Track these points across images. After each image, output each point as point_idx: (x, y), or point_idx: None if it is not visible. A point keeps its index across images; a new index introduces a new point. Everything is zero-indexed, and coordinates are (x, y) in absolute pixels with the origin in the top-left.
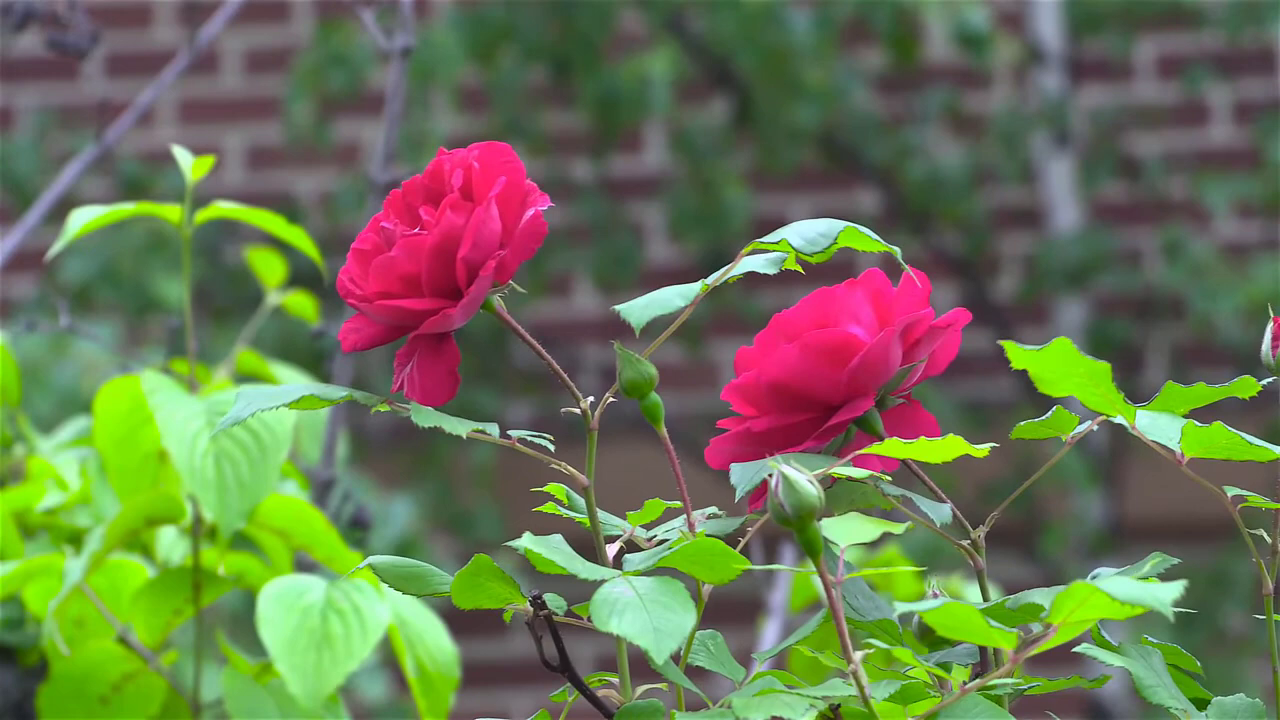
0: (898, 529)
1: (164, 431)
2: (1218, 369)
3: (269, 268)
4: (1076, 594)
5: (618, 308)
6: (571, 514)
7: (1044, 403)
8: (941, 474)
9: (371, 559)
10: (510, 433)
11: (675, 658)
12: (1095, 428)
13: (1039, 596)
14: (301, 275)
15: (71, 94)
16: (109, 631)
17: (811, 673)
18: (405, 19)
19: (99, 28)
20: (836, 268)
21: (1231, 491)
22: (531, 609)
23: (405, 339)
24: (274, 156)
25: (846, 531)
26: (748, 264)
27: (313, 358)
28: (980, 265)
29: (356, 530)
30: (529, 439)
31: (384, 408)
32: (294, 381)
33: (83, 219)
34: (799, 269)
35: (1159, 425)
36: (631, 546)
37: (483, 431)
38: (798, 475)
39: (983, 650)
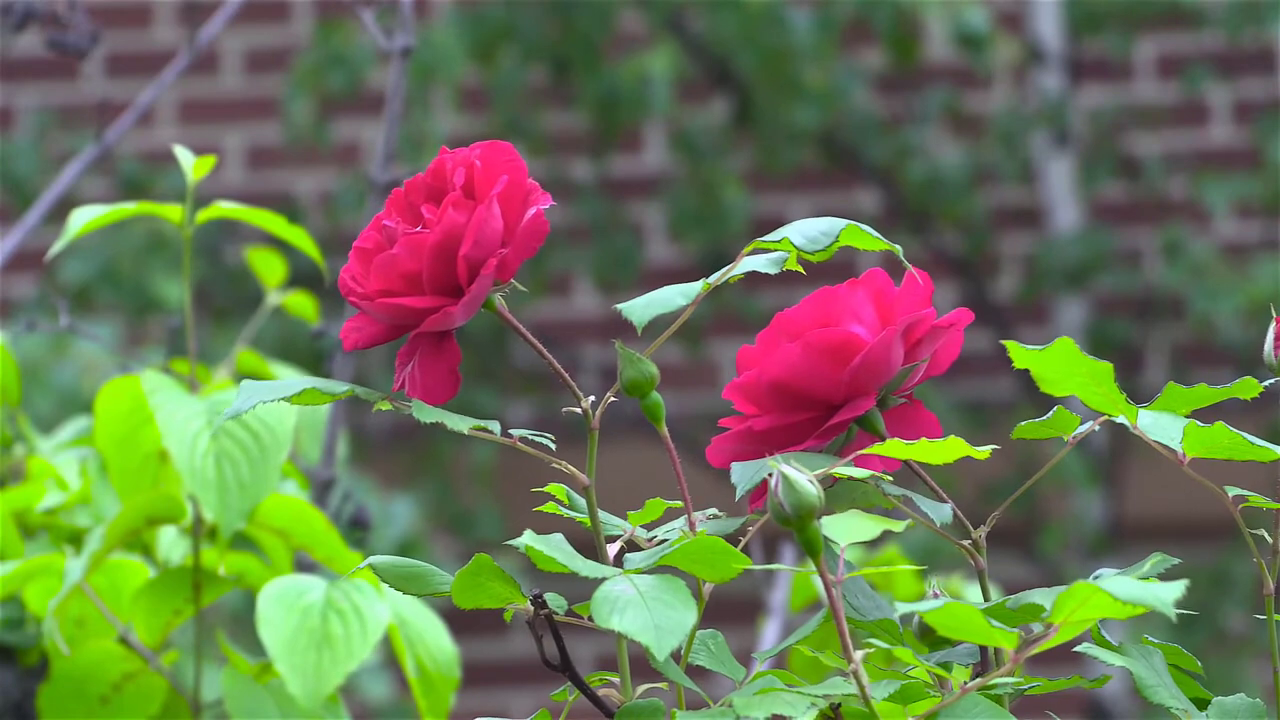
0: (898, 527)
1: (164, 431)
2: (1218, 369)
3: (269, 268)
4: (1078, 594)
5: (619, 306)
6: (572, 514)
7: (1044, 402)
8: (942, 473)
9: (371, 559)
10: (511, 431)
11: (676, 657)
12: (1097, 428)
13: (1040, 596)
14: (301, 275)
15: (71, 94)
16: (109, 631)
17: (812, 672)
18: (405, 19)
19: (99, 28)
20: (838, 267)
21: (1232, 491)
22: (532, 608)
23: (406, 338)
24: (274, 156)
25: (847, 530)
26: (749, 263)
27: (313, 358)
28: (980, 265)
29: (356, 530)
30: (530, 438)
31: (385, 405)
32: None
33: (84, 218)
34: (800, 269)
35: (1161, 425)
36: (632, 546)
37: (484, 429)
38: (798, 475)
39: (983, 650)
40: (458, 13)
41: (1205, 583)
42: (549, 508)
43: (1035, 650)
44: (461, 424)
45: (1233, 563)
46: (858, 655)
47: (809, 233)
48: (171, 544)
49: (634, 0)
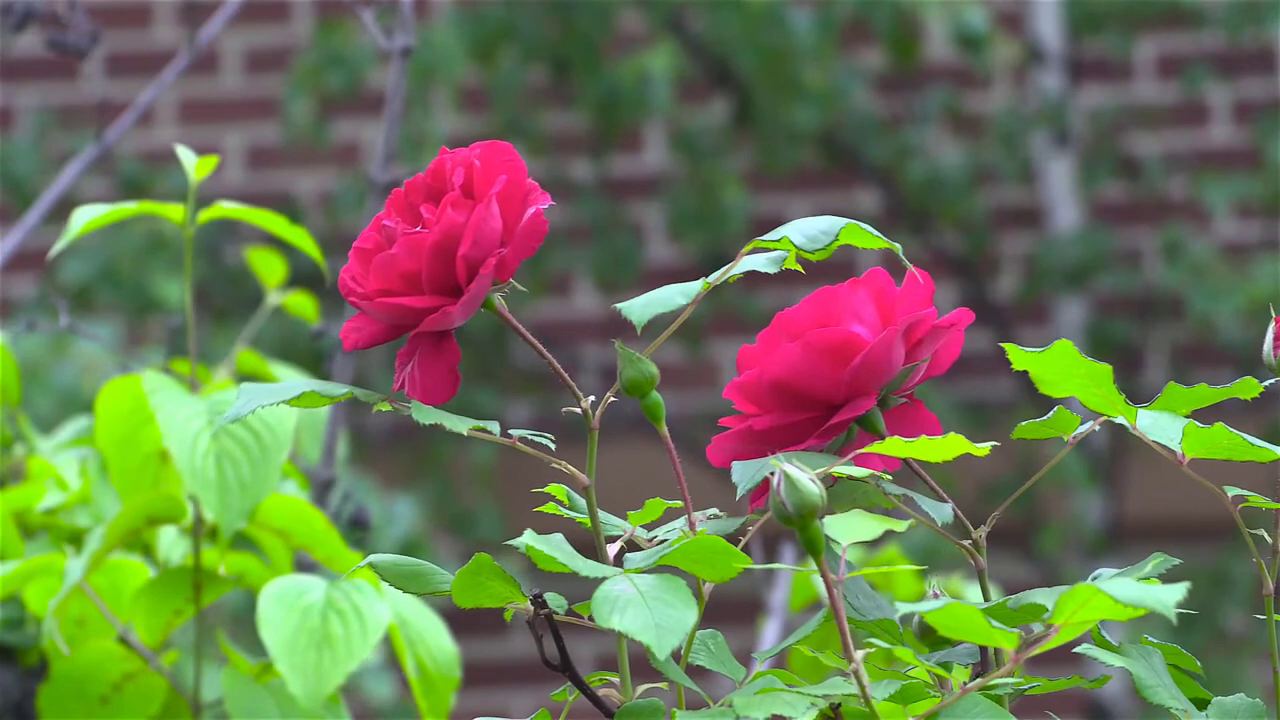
0: (900, 526)
1: (165, 431)
2: (1218, 369)
3: (269, 268)
4: (1079, 596)
5: (619, 306)
6: (572, 514)
7: (1044, 403)
8: (942, 473)
9: (372, 558)
10: (511, 432)
11: (676, 656)
12: (1097, 428)
13: (1040, 597)
14: (302, 275)
15: (71, 94)
16: (109, 631)
17: (812, 672)
18: (405, 19)
19: (99, 28)
20: (838, 267)
21: (1232, 491)
22: (532, 608)
23: (406, 338)
24: (274, 156)
25: (848, 529)
26: (749, 262)
27: (313, 358)
28: (980, 265)
29: (356, 530)
30: (529, 438)
31: (385, 406)
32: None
33: (85, 218)
34: (799, 268)
35: (1160, 425)
36: (632, 546)
37: (484, 429)
38: (800, 474)
39: (983, 650)
40: (457, 13)
41: (1205, 583)
42: (549, 508)
43: (1036, 651)
44: (460, 424)
45: (1232, 563)
46: (858, 655)
47: (808, 231)
48: (172, 544)
49: (634, 0)
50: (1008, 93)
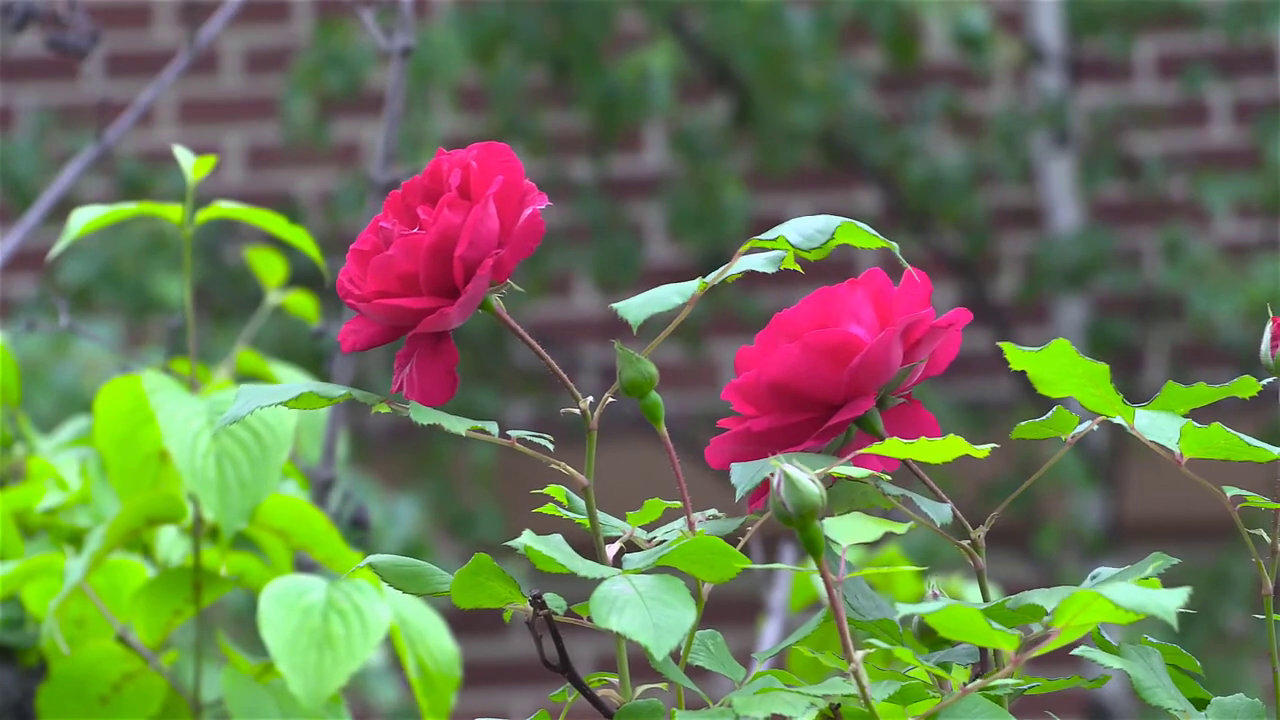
0: (900, 528)
1: (165, 431)
2: (1217, 369)
3: (269, 268)
4: (1079, 600)
5: (615, 305)
6: (571, 514)
7: (1044, 403)
8: (941, 474)
9: (371, 558)
10: (510, 432)
11: (675, 657)
12: (1095, 428)
13: (1039, 597)
14: (302, 275)
15: (71, 94)
16: (109, 631)
17: (811, 672)
18: (405, 19)
19: (99, 28)
20: (837, 267)
21: (1231, 491)
22: (531, 609)
23: (404, 339)
24: (274, 156)
25: (848, 531)
26: (746, 262)
27: (313, 358)
28: (980, 265)
29: (357, 530)
30: (528, 439)
31: (383, 408)
32: (294, 381)
33: (84, 219)
34: (797, 267)
35: (1158, 425)
36: (631, 547)
37: (482, 430)
38: (800, 474)
39: (983, 650)
40: (457, 13)
41: (1204, 583)
42: (548, 508)
43: (1036, 653)
44: (459, 425)
45: (1232, 563)
46: (858, 655)
47: (805, 230)
48: (172, 544)
49: (634, 0)
50: (1008, 93)
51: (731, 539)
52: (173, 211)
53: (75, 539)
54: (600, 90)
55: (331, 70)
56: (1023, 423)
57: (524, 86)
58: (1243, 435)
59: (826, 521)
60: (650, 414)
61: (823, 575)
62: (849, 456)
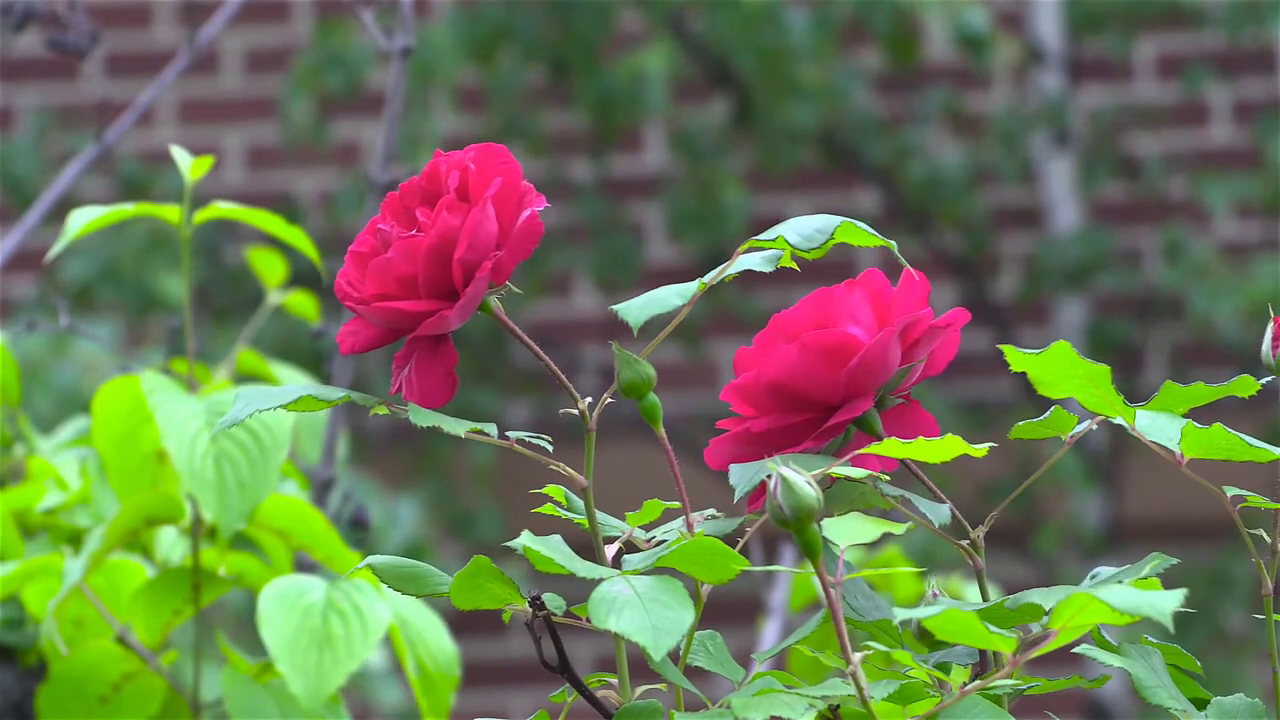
0: (898, 529)
1: (163, 432)
2: (1217, 369)
3: (269, 267)
4: (1076, 602)
5: (615, 307)
6: (570, 515)
7: (1043, 403)
8: (940, 474)
9: (370, 559)
10: (509, 434)
11: (674, 657)
12: (1095, 427)
13: (1038, 597)
14: (302, 275)
15: (71, 94)
16: (108, 631)
17: (811, 673)
18: (405, 19)
19: (99, 28)
20: (836, 267)
21: (1231, 491)
22: (530, 609)
23: (403, 341)
24: (274, 156)
25: (846, 531)
26: (744, 262)
27: (313, 358)
28: (980, 265)
29: (356, 530)
30: (527, 440)
31: (382, 410)
32: (294, 381)
33: (82, 219)
34: (796, 267)
35: (1158, 426)
36: (630, 547)
37: (481, 432)
38: (796, 477)
39: (982, 650)
40: (456, 13)
41: (1204, 583)
42: (548, 509)
43: (1034, 654)
44: (458, 427)
45: (1232, 563)
46: (856, 656)
47: (804, 230)
48: (171, 544)
49: (633, 0)
50: (1008, 93)
51: (730, 539)
52: (171, 212)
53: (75, 539)
54: (599, 90)
55: (331, 70)
56: (1022, 423)
57: (524, 86)
58: (1243, 435)
59: (824, 522)
60: (649, 415)
61: (820, 577)
62: (847, 457)
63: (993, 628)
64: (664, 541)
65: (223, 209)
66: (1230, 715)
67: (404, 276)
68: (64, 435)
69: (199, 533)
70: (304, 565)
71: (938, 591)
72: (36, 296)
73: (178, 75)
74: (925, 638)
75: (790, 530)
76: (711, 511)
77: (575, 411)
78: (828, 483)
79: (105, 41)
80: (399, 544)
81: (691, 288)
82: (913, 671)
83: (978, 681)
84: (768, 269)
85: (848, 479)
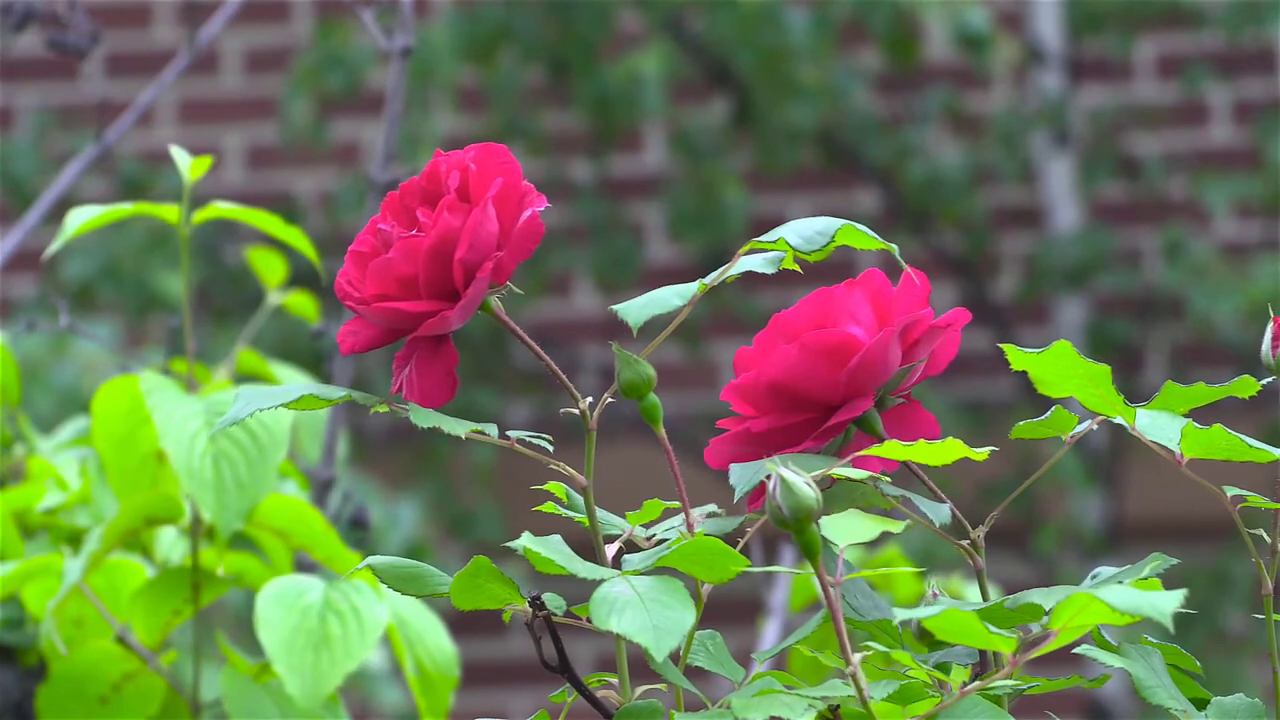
0: (897, 527)
1: (162, 432)
2: (1217, 369)
3: (269, 267)
4: (1076, 602)
5: (615, 308)
6: (571, 514)
7: (1044, 402)
8: (940, 473)
9: (370, 560)
10: (509, 433)
11: (674, 658)
12: (1095, 427)
13: (1038, 597)
14: (302, 275)
15: (71, 94)
16: (108, 631)
17: (812, 673)
18: (405, 19)
19: (99, 28)
20: (836, 268)
21: (1231, 491)
22: (530, 610)
23: (404, 341)
24: (274, 156)
25: (846, 530)
26: (745, 263)
27: (313, 358)
28: (980, 265)
29: (356, 530)
30: (528, 439)
31: (383, 409)
32: (294, 381)
33: (80, 218)
34: (797, 268)
35: (1159, 426)
36: (631, 547)
37: (481, 432)
38: (795, 478)
39: (982, 650)
40: (456, 13)
41: (1205, 583)
42: (548, 508)
43: (1033, 655)
44: (458, 427)
45: (1232, 563)
46: (856, 656)
47: (805, 232)
48: (170, 544)
49: (632, 0)
50: (1008, 93)
51: (731, 539)
52: (169, 212)
53: (75, 539)
54: (598, 91)
55: (331, 70)
56: (1022, 423)
57: (523, 86)
58: (1243, 436)
59: (824, 521)
60: (649, 415)
61: (820, 577)
62: (848, 457)
63: (993, 628)
64: (664, 540)
65: (222, 209)
66: (1230, 715)
67: (404, 277)
68: (64, 435)
69: (198, 533)
70: (304, 565)
71: (938, 591)
72: (36, 296)
73: (178, 75)
74: (925, 638)
75: (789, 531)
76: (711, 508)
77: (575, 411)
78: (828, 483)
79: (105, 41)
80: (399, 544)
81: (692, 288)
82: (912, 671)
83: (978, 682)
84: (769, 270)
85: (848, 479)
